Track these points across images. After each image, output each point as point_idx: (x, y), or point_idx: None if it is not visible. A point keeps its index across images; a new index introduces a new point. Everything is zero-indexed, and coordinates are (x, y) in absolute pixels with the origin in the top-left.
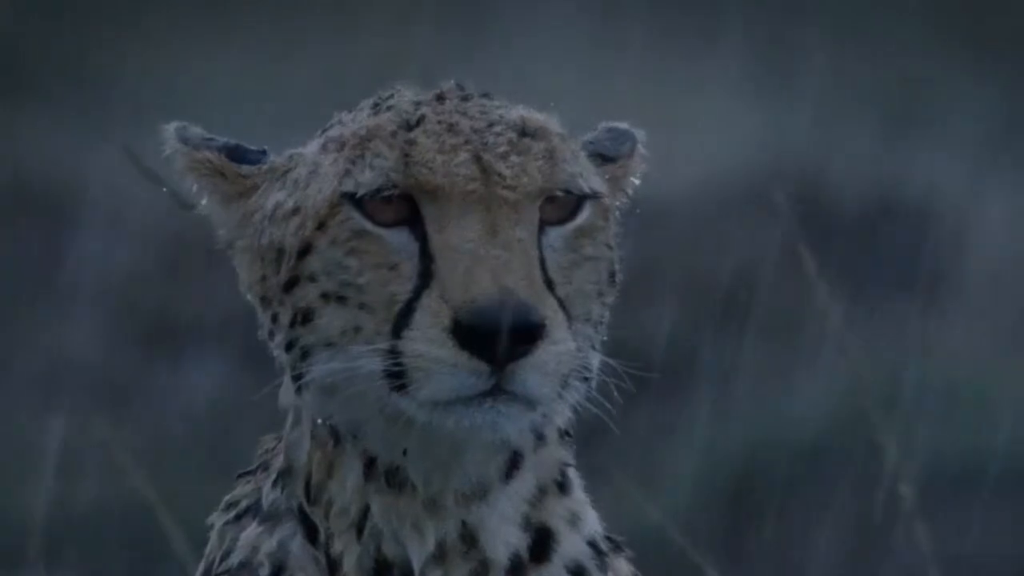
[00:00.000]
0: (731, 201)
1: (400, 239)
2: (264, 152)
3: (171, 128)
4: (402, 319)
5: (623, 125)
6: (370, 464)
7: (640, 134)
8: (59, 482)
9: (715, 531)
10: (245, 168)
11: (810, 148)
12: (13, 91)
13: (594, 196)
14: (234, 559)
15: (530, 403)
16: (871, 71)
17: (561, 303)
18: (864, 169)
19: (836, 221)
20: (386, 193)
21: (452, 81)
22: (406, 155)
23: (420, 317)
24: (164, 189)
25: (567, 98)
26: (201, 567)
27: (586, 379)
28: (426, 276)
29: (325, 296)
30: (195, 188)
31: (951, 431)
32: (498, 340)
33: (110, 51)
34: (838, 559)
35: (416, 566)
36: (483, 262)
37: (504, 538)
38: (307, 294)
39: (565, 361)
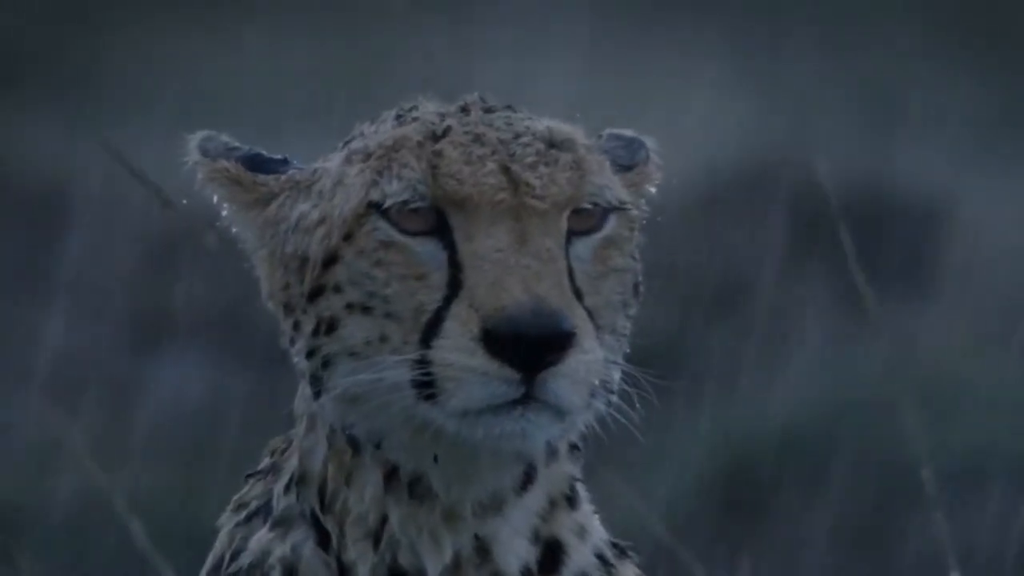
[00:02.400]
0: (719, 197)
1: (428, 249)
2: (285, 160)
3: (194, 139)
4: (431, 329)
5: (629, 133)
6: (391, 474)
7: (651, 141)
8: (40, 476)
9: (707, 527)
10: (261, 176)
11: (797, 143)
12: (1, 87)
13: (621, 208)
14: (244, 560)
15: (559, 412)
16: (858, 66)
17: (589, 313)
18: (853, 163)
19: (825, 215)
20: (414, 205)
21: (476, 94)
22: (433, 166)
23: (450, 326)
24: (155, 189)
25: (556, 96)
26: (208, 565)
27: (610, 391)
28: (455, 285)
29: (350, 306)
30: (215, 198)
31: (944, 424)
32: (529, 348)
33: (99, 47)
34: (833, 553)
35: None
36: (513, 271)
37: (516, 551)
38: (332, 304)
39: (594, 371)
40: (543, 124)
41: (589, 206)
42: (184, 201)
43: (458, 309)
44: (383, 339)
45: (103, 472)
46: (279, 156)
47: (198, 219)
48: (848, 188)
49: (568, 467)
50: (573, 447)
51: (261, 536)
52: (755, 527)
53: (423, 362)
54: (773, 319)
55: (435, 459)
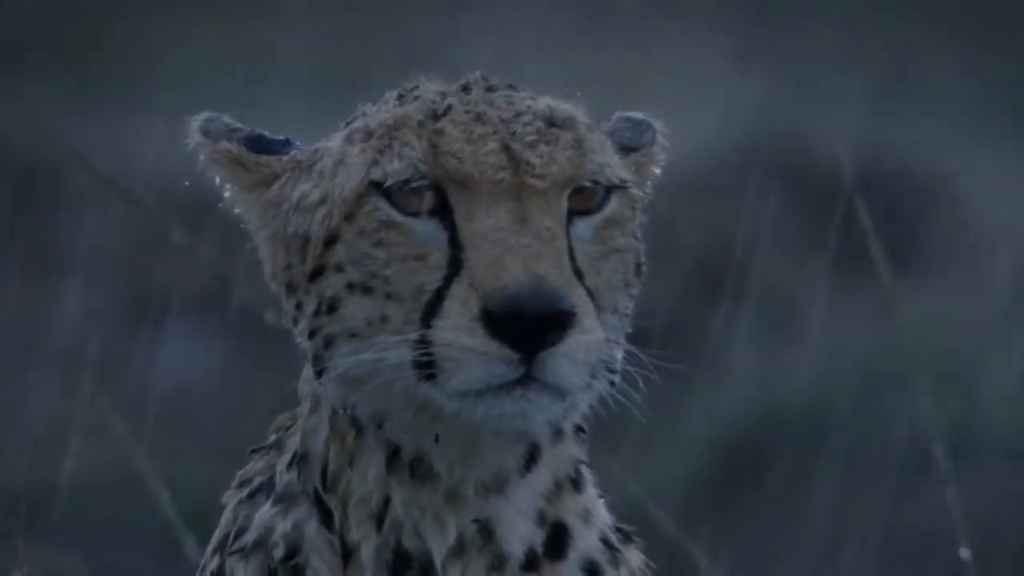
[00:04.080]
0: (719, 173)
1: (429, 229)
2: (287, 141)
3: (196, 121)
4: (431, 309)
5: (639, 115)
6: (393, 455)
7: (659, 124)
8: (46, 453)
9: (708, 506)
10: (264, 157)
11: (798, 119)
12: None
13: (622, 186)
14: (248, 538)
15: (559, 392)
16: (858, 41)
17: (590, 293)
18: (852, 139)
19: (825, 191)
20: (415, 184)
21: (477, 73)
22: (434, 145)
23: (450, 306)
24: (121, 189)
25: (553, 74)
26: (213, 543)
27: (613, 371)
28: (455, 265)
29: (351, 286)
30: (218, 180)
31: (943, 401)
32: (528, 327)
33: (100, 24)
34: (836, 530)
35: (437, 559)
36: (513, 251)
37: (520, 533)
38: (332, 284)
39: (594, 351)
40: (544, 103)
41: (589, 184)
42: (186, 184)
43: (458, 289)
44: (384, 319)
45: (119, 450)
46: (281, 137)
47: (168, 216)
48: (854, 165)
49: (574, 449)
50: (579, 429)
51: (264, 512)
52: (760, 508)
53: (423, 342)
54: (778, 297)
55: (436, 439)
